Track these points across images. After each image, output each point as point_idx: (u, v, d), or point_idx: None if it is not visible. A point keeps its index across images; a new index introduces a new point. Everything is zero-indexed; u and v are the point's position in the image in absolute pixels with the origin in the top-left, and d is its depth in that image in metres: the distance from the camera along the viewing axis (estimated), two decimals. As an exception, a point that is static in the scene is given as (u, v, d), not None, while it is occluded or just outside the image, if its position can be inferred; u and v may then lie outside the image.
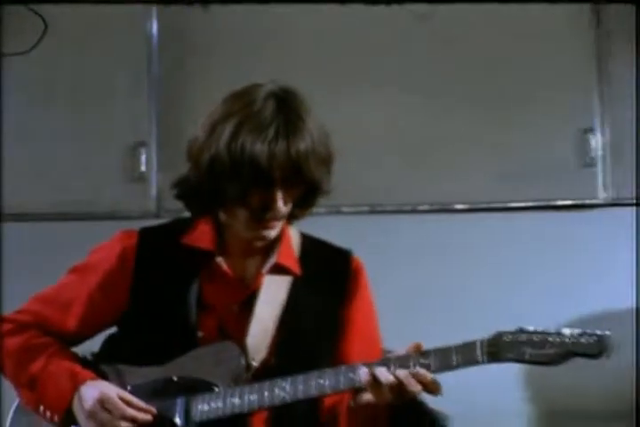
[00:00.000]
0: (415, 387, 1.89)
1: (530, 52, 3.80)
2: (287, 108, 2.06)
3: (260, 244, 2.14)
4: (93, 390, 2.07)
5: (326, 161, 2.10)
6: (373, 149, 3.55)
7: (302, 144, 2.03)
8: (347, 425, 2.18)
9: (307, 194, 2.13)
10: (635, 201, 3.63)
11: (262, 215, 2.08)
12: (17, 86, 3.71)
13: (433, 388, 1.91)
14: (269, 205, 2.05)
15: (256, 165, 2.00)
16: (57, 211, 3.47)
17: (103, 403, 2.05)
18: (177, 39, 3.76)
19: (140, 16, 3.79)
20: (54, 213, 3.47)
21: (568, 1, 3.98)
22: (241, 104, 2.07)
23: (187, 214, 2.28)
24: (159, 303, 2.18)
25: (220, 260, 2.17)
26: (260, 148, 1.99)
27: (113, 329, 2.26)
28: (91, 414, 2.07)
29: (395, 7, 3.93)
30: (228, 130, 2.02)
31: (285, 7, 3.75)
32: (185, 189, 2.18)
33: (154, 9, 3.79)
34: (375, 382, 1.94)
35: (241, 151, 2.01)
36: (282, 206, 2.06)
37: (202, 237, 2.21)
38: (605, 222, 3.61)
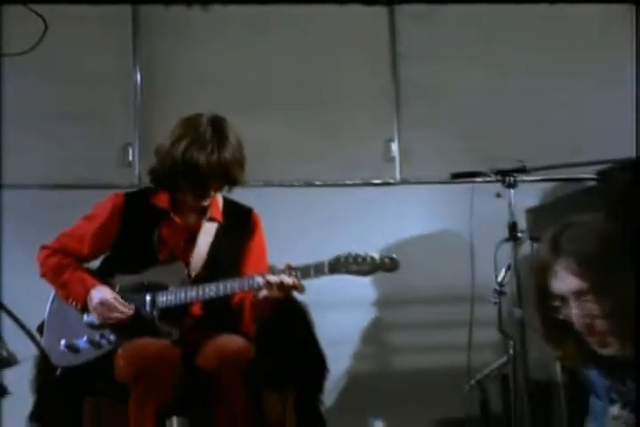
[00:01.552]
0: (289, 286, 2.81)
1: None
2: (218, 130, 2.97)
3: (198, 206, 3.06)
4: (97, 294, 2.98)
5: (242, 164, 3.02)
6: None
7: (228, 155, 2.94)
8: (250, 312, 3.06)
9: (230, 183, 3.04)
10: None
11: (201, 198, 3.02)
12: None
13: (300, 288, 2.84)
14: (206, 193, 3.01)
15: (199, 170, 2.91)
16: (70, 183, 4.16)
17: (103, 303, 2.96)
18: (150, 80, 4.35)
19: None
20: (68, 184, 4.16)
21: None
22: (191, 128, 2.95)
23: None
24: (135, 238, 3.07)
25: (173, 215, 3.10)
26: (202, 158, 2.90)
27: (107, 254, 3.16)
28: (95, 309, 2.98)
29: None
30: (183, 145, 2.91)
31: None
32: (153, 176, 3.09)
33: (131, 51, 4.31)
34: (268, 283, 2.83)
35: (190, 160, 2.91)
36: (213, 193, 3.02)
37: (162, 200, 3.12)
38: (399, 195, 4.35)
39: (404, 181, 4.43)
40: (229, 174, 2.99)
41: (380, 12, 4.54)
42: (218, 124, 2.99)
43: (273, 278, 2.83)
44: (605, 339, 1.97)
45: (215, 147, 2.93)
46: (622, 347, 1.95)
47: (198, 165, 2.91)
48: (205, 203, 3.07)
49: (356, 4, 4.46)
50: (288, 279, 2.83)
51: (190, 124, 2.99)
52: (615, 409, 1.99)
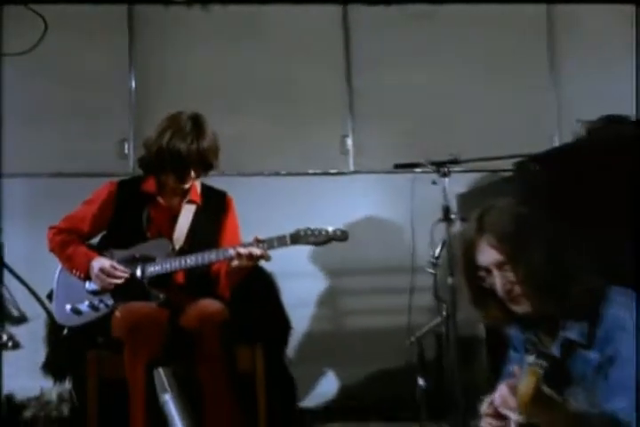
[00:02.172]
0: (257, 256, 2.89)
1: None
2: (197, 124, 3.06)
3: (179, 190, 3.16)
4: (97, 263, 3.05)
5: (216, 152, 3.10)
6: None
7: (205, 144, 3.03)
8: (225, 279, 3.12)
9: (206, 169, 3.14)
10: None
11: (182, 181, 3.11)
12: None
13: (266, 257, 2.93)
14: (186, 176, 3.09)
15: (181, 157, 3.01)
16: (74, 172, 4.22)
17: (102, 270, 3.04)
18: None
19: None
20: (72, 173, 4.22)
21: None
22: (174, 122, 3.05)
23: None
24: (127, 219, 3.15)
25: (158, 198, 3.18)
26: (183, 147, 2.99)
27: (104, 232, 3.24)
28: (97, 276, 3.04)
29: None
30: (167, 136, 3.01)
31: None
32: (142, 163, 3.20)
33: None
34: (239, 254, 2.91)
35: (173, 148, 3.00)
36: (193, 177, 3.10)
37: (150, 185, 3.19)
38: (352, 183, 4.45)
39: (356, 171, 4.52)
40: (206, 161, 3.08)
41: (335, 22, 4.60)
42: (196, 120, 3.07)
43: (243, 250, 2.91)
44: (520, 300, 2.01)
45: (194, 138, 3.01)
46: (533, 306, 2.00)
47: (180, 153, 3.00)
48: (186, 186, 3.13)
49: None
50: (256, 250, 2.90)
51: (173, 120, 3.08)
52: (530, 358, 1.94)
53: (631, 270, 2.74)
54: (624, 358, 1.89)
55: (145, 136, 3.23)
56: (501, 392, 1.90)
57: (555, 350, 2.03)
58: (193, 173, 3.09)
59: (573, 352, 2.00)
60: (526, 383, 1.73)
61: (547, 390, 1.79)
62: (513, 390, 1.84)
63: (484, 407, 1.98)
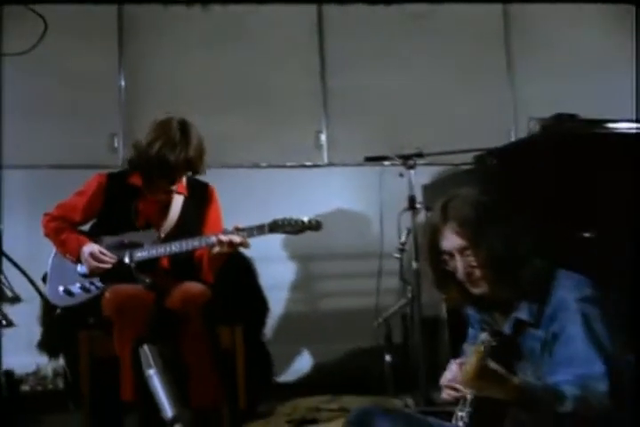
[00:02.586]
0: (237, 243, 2.88)
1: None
2: (185, 133, 3.02)
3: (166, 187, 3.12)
4: (87, 248, 3.04)
5: (202, 158, 3.09)
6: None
7: (192, 153, 3.02)
8: (207, 265, 3.09)
9: (193, 173, 3.13)
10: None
11: (170, 184, 3.10)
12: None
13: (245, 244, 2.92)
14: (173, 181, 3.09)
15: (169, 166, 3.00)
16: (67, 164, 4.22)
17: (91, 254, 3.03)
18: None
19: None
20: (66, 165, 4.23)
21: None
22: (163, 132, 3.01)
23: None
24: (116, 209, 3.13)
25: (146, 192, 3.15)
26: (172, 158, 2.98)
27: (95, 221, 3.21)
28: (86, 260, 3.04)
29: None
30: (156, 146, 2.99)
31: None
32: (131, 165, 3.17)
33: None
34: (220, 241, 2.90)
35: (162, 159, 2.99)
36: (177, 180, 3.08)
37: (137, 181, 3.17)
38: (326, 175, 4.49)
39: (330, 164, 4.55)
40: (193, 168, 3.10)
41: (311, 29, 4.61)
42: (184, 127, 3.05)
43: (224, 237, 2.91)
44: (479, 283, 2.02)
45: (182, 148, 3.01)
46: (491, 288, 2.01)
47: (169, 163, 3.00)
48: (173, 188, 3.15)
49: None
50: (236, 238, 2.90)
51: (162, 128, 3.05)
52: (483, 335, 1.97)
53: (579, 255, 2.77)
54: (567, 336, 1.92)
55: (134, 130, 3.25)
56: (451, 369, 1.95)
57: (506, 329, 2.05)
58: (179, 177, 3.12)
59: (523, 330, 2.03)
60: (471, 362, 1.75)
61: (493, 365, 1.81)
62: (461, 366, 1.88)
63: (443, 379, 2.00)
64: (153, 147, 3.01)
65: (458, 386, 1.92)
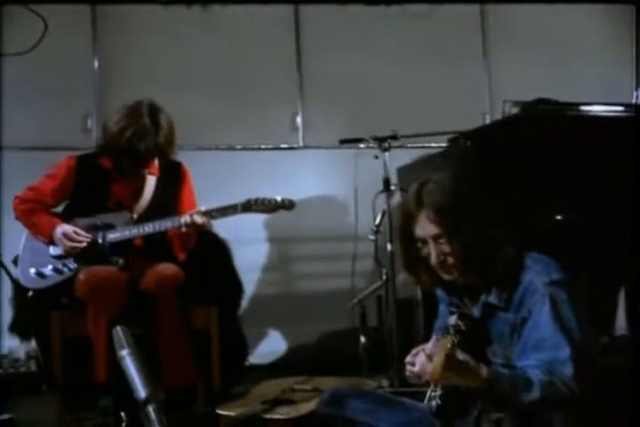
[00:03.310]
0: (208, 224, 2.94)
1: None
2: (155, 120, 2.99)
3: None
4: (60, 229, 3.03)
5: (173, 143, 3.07)
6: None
7: (162, 140, 2.99)
8: (178, 243, 3.12)
9: (164, 159, 3.11)
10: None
11: (140, 169, 3.09)
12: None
13: (208, 225, 2.94)
14: (144, 166, 3.08)
15: (140, 153, 2.99)
16: (41, 145, 4.19)
17: (65, 234, 3.02)
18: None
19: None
20: (40, 146, 4.18)
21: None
22: (133, 120, 2.97)
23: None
24: (88, 191, 3.11)
25: (116, 174, 3.13)
26: (142, 146, 2.96)
27: (67, 202, 3.18)
28: (59, 240, 3.03)
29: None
30: (127, 135, 2.96)
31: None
32: (102, 150, 3.14)
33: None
34: (192, 220, 2.91)
35: (133, 147, 2.97)
36: (148, 164, 3.08)
37: (107, 162, 3.15)
38: (301, 157, 4.49)
39: (305, 147, 4.55)
40: (163, 154, 3.10)
41: (288, 13, 4.60)
42: (154, 113, 3.02)
43: (194, 218, 2.93)
44: (451, 270, 2.02)
45: (153, 135, 2.99)
46: (463, 275, 2.03)
47: (139, 152, 2.99)
48: (144, 172, 3.14)
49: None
50: (199, 218, 2.91)
51: (132, 114, 3.01)
52: (452, 319, 1.99)
53: (549, 237, 2.79)
54: (535, 320, 1.95)
55: (107, 112, 3.19)
56: (420, 359, 1.93)
57: (476, 312, 2.06)
58: (150, 161, 3.10)
59: (493, 314, 2.04)
60: (439, 352, 1.76)
61: (462, 356, 1.83)
62: (430, 358, 1.88)
63: (409, 357, 2.00)
64: (124, 134, 2.98)
65: (426, 377, 1.91)
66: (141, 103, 3.04)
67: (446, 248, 2.00)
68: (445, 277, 2.05)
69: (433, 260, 2.02)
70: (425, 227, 2.01)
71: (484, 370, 1.86)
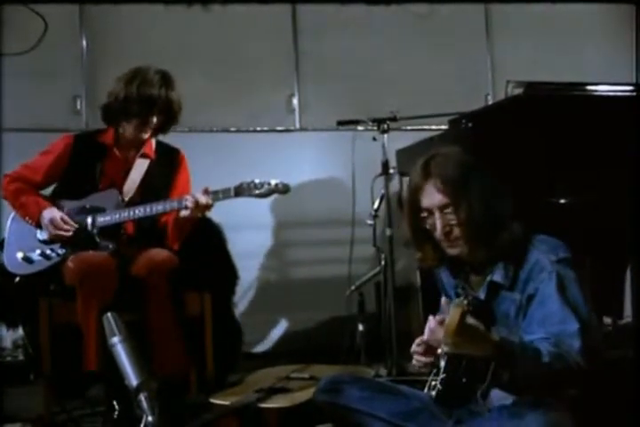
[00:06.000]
0: (203, 205, 2.82)
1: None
2: (165, 77, 3.00)
3: (137, 142, 3.09)
4: (47, 214, 2.99)
5: (180, 106, 3.05)
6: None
7: (173, 94, 2.99)
8: (172, 231, 3.08)
9: (166, 122, 3.07)
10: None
11: (143, 128, 3.04)
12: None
13: (209, 205, 2.84)
14: (149, 123, 3.02)
15: (150, 100, 2.96)
16: (30, 127, 4.11)
17: (52, 221, 2.98)
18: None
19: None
20: (29, 128, 4.11)
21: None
22: (141, 73, 2.97)
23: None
24: (80, 170, 3.08)
25: (115, 149, 3.11)
26: (154, 92, 2.94)
27: (57, 184, 3.13)
28: (46, 226, 3.00)
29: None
30: (137, 82, 2.94)
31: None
32: (105, 110, 3.09)
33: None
34: (186, 205, 2.82)
35: (143, 92, 2.94)
36: (154, 125, 3.04)
37: (108, 137, 3.12)
38: (298, 139, 4.46)
39: (302, 129, 4.51)
40: (171, 110, 3.04)
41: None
42: (164, 73, 3.03)
43: (189, 198, 2.85)
44: (457, 242, 2.03)
45: (163, 86, 2.98)
46: (468, 248, 2.03)
47: (150, 97, 2.96)
48: (145, 136, 3.08)
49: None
50: (202, 198, 2.84)
51: (140, 71, 3.02)
52: (458, 300, 1.99)
53: (554, 220, 2.77)
54: (542, 295, 1.96)
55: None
56: (430, 326, 1.96)
57: (481, 294, 2.07)
58: (155, 120, 3.02)
59: (498, 294, 2.06)
60: (452, 315, 1.75)
61: (472, 321, 1.82)
62: (441, 323, 1.88)
63: (414, 347, 2.03)
64: (132, 84, 2.96)
65: (434, 344, 1.93)
66: (149, 66, 3.04)
67: (452, 219, 2.01)
68: (450, 251, 2.05)
69: (438, 231, 2.03)
70: (432, 196, 2.03)
71: (494, 337, 1.86)
